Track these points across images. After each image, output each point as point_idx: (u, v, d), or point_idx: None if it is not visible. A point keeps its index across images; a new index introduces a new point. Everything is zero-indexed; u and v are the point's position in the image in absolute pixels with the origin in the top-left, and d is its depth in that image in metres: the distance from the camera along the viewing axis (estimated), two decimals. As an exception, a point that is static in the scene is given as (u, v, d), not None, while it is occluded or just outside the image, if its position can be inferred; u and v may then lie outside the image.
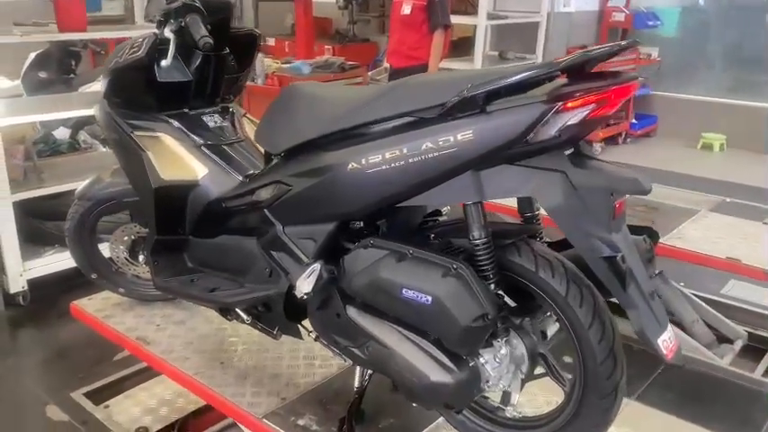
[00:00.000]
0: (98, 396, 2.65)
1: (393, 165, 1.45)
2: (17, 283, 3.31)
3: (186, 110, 2.05)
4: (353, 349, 1.64)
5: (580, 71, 1.36)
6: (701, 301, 3.48)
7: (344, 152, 1.53)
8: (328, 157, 1.57)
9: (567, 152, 1.39)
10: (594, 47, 1.35)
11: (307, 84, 1.77)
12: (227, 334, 2.30)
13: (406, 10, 4.41)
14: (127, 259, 2.38)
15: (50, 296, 3.02)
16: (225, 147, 2.05)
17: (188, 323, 2.37)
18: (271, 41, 7.78)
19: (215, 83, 2.10)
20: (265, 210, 1.75)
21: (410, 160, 1.42)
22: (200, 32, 1.76)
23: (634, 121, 7.20)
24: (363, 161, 1.48)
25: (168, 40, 1.86)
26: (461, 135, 1.36)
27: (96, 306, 2.53)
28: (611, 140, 7.00)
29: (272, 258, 1.75)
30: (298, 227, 1.69)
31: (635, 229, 1.55)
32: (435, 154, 1.39)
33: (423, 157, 1.41)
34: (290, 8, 6.71)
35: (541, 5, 6.05)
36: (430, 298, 1.41)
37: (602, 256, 1.34)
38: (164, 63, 1.83)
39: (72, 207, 2.36)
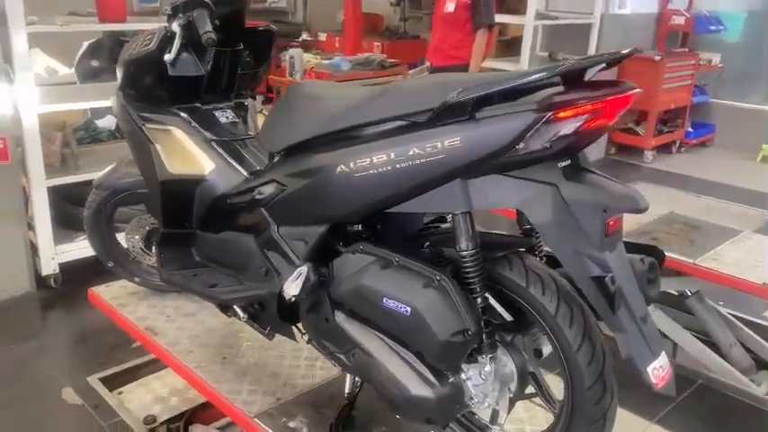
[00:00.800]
0: (113, 382, 2.69)
1: (381, 169, 1.40)
2: (49, 266, 3.41)
3: (198, 104, 2.05)
4: (340, 355, 1.60)
5: (578, 79, 1.29)
6: (740, 324, 3.31)
7: (335, 154, 1.50)
8: (320, 159, 1.54)
9: (562, 164, 1.31)
10: (594, 54, 1.27)
11: (311, 83, 1.75)
12: (235, 329, 2.30)
13: (450, 7, 4.33)
14: (142, 249, 2.41)
15: (81, 280, 3.09)
16: (235, 143, 2.04)
17: (197, 316, 2.38)
18: (322, 37, 7.82)
19: (229, 78, 2.09)
20: (262, 208, 1.73)
21: (397, 166, 1.38)
22: (205, 27, 1.76)
23: (690, 129, 6.93)
24: (352, 164, 1.44)
25: (186, 34, 1.86)
26: (449, 142, 1.31)
27: (112, 293, 2.57)
28: (664, 149, 6.76)
29: (267, 258, 1.73)
30: (291, 227, 1.67)
31: (639, 248, 1.47)
32: (422, 160, 1.34)
33: (410, 162, 1.36)
34: (342, 4, 6.71)
35: (595, 6, 5.86)
36: (409, 309, 1.36)
37: (591, 275, 1.26)
38: (167, 57, 1.83)
39: (90, 195, 2.40)
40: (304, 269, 1.56)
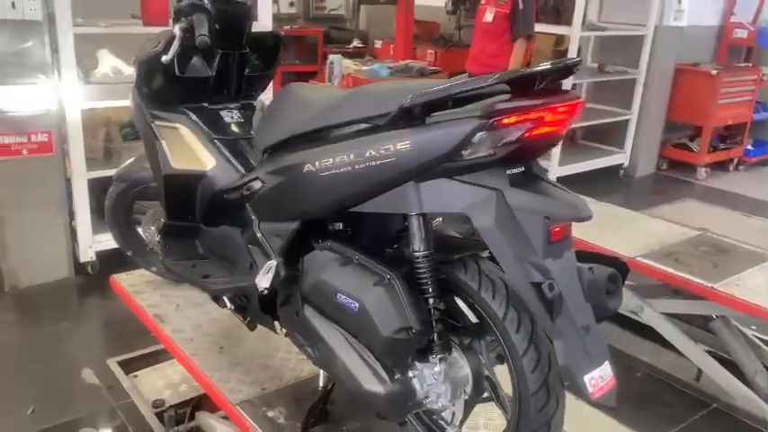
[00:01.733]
0: (130, 366, 2.83)
1: (342, 170, 1.46)
2: (87, 254, 3.60)
3: (206, 104, 2.15)
4: (308, 348, 1.66)
5: (528, 87, 1.30)
6: (769, 348, 3.19)
7: (305, 154, 1.56)
8: (292, 158, 1.60)
9: (511, 171, 1.33)
10: (541, 64, 1.29)
11: (299, 84, 1.82)
12: (236, 321, 2.36)
13: (489, 17, 4.35)
14: (157, 241, 2.54)
15: (116, 268, 3.25)
16: (238, 141, 2.13)
17: (204, 307, 2.48)
18: (378, 44, 7.92)
19: (237, 80, 2.18)
20: (247, 204, 1.82)
21: (356, 167, 1.43)
22: (200, 31, 1.85)
23: (750, 147, 6.67)
24: (318, 164, 1.50)
25: (185, 36, 1.96)
26: (400, 145, 1.35)
27: (131, 281, 2.71)
28: (720, 166, 6.53)
29: (250, 252, 1.81)
30: (270, 223, 1.74)
31: (601, 259, 1.46)
32: (377, 162, 1.39)
33: (366, 164, 1.41)
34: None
35: (648, 18, 5.73)
36: (357, 305, 1.41)
37: (531, 281, 1.28)
38: (164, 59, 1.93)
39: (111, 187, 2.55)
40: (273, 264, 1.63)
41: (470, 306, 1.47)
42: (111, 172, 3.56)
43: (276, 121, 1.75)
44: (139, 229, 2.62)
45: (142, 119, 2.17)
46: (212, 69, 2.10)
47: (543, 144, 1.35)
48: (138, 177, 2.44)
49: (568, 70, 1.30)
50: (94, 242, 3.58)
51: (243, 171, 2.03)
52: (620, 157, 6.10)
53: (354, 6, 8.82)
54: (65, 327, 3.25)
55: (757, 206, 5.53)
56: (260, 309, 1.81)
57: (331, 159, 1.47)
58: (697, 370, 3.09)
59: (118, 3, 3.98)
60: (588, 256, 1.44)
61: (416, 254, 1.42)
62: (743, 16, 6.66)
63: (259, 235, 1.75)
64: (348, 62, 4.98)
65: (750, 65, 6.67)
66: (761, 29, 6.54)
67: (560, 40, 6.76)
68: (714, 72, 6.00)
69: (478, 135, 1.26)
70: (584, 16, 5.75)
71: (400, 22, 6.41)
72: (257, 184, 1.77)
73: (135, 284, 2.68)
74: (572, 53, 5.21)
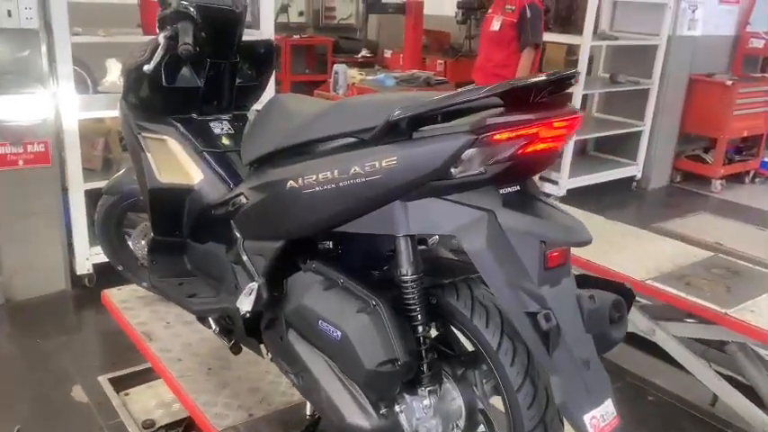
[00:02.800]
0: (122, 383, 2.74)
1: (326, 187, 1.37)
2: (83, 266, 3.53)
3: (194, 115, 2.07)
4: (292, 375, 1.57)
5: (523, 100, 1.21)
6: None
7: (288, 169, 1.48)
8: (275, 173, 1.52)
9: (505, 190, 1.24)
10: (534, 75, 1.19)
11: (287, 96, 1.73)
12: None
13: (496, 26, 4.25)
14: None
15: (113, 281, 3.17)
16: (228, 154, 2.05)
17: (195, 324, 2.38)
18: (387, 54, 7.86)
19: (228, 90, 2.10)
20: (232, 221, 1.73)
21: (340, 184, 1.34)
22: (184, 39, 1.77)
23: (766, 159, 6.51)
24: (300, 180, 1.41)
25: (170, 44, 1.88)
26: (386, 162, 1.26)
27: (122, 296, 2.64)
28: (735, 179, 6.37)
29: (234, 272, 1.72)
30: (253, 242, 1.65)
31: (606, 285, 1.36)
32: (363, 179, 1.30)
33: (351, 181, 1.32)
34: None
35: (662, 28, 5.61)
36: (339, 333, 1.32)
37: (525, 311, 1.18)
38: (146, 68, 1.85)
39: (100, 200, 2.47)
40: (255, 285, 1.54)
41: (464, 333, 1.37)
42: (110, 183, 3.52)
43: (261, 134, 1.67)
44: (130, 242, 2.54)
45: (129, 130, 2.10)
46: (201, 79, 2.02)
47: (538, 161, 1.25)
48: (128, 190, 2.37)
49: (564, 82, 1.20)
50: (91, 254, 3.51)
51: (232, 185, 1.94)
52: (632, 169, 5.97)
53: (364, 16, 8.76)
54: (59, 341, 3.17)
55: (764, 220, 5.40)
56: (244, 332, 1.72)
57: (314, 176, 1.38)
58: (712, 395, 2.95)
59: (124, 11, 3.95)
60: (590, 281, 1.34)
61: (404, 278, 1.33)
62: (758, 26, 6.52)
63: (243, 254, 1.66)
64: (353, 72, 4.90)
65: (766, 75, 6.52)
66: (777, 38, 6.40)
67: (572, 49, 6.66)
68: (729, 83, 5.86)
69: (468, 152, 1.17)
70: (596, 25, 5.64)
71: (409, 31, 6.34)
72: (241, 200, 1.69)
73: (125, 300, 2.61)
74: (582, 63, 5.10)
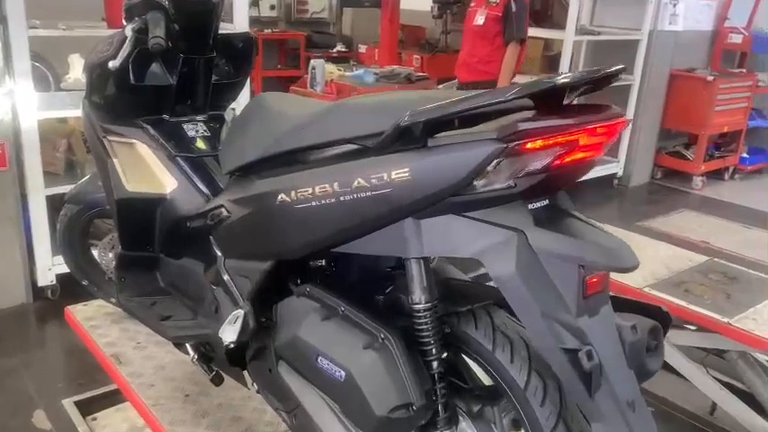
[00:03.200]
0: (89, 406, 2.52)
1: (323, 202, 1.18)
2: (46, 277, 3.29)
3: (166, 116, 1.88)
4: (282, 413, 1.38)
5: (554, 102, 1.04)
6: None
7: (277, 181, 1.29)
8: (262, 185, 1.33)
9: (534, 205, 1.07)
10: (568, 72, 1.03)
11: (272, 94, 1.54)
12: (205, 362, 2.11)
13: (480, 20, 4.09)
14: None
15: (78, 292, 2.95)
16: (204, 159, 1.85)
17: (169, 345, 2.17)
18: (362, 49, 7.67)
19: (204, 88, 1.91)
20: (211, 236, 1.54)
21: (342, 198, 1.16)
22: (155, 32, 1.57)
23: (745, 155, 6.48)
24: (293, 194, 1.23)
25: (138, 38, 1.68)
26: (396, 173, 1.08)
27: (88, 313, 2.43)
28: (715, 175, 6.32)
29: (214, 293, 1.53)
30: (236, 261, 1.46)
31: (640, 308, 1.20)
32: (368, 193, 1.12)
33: (354, 195, 1.14)
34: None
35: (643, 22, 5.51)
36: (343, 373, 1.14)
37: (562, 347, 1.01)
38: (111, 64, 1.65)
39: (62, 209, 2.26)
40: (241, 313, 1.35)
41: (481, 366, 1.20)
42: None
43: (244, 138, 1.48)
44: (96, 254, 2.33)
45: (93, 134, 1.89)
46: (174, 76, 1.82)
47: (574, 172, 1.09)
48: (92, 199, 2.16)
49: (607, 80, 1.04)
50: (54, 264, 3.27)
51: (209, 194, 1.75)
52: (613, 167, 5.88)
53: (338, 10, 8.55)
54: (19, 359, 2.93)
55: (755, 216, 5.35)
56: (227, 361, 1.54)
57: (310, 189, 1.20)
58: (711, 403, 2.84)
59: (88, 3, 3.71)
60: (621, 303, 1.18)
61: (417, 306, 1.15)
62: (736, 21, 6.47)
63: (225, 276, 1.47)
64: (331, 67, 4.70)
65: (744, 70, 6.48)
66: (756, 34, 6.36)
67: (549, 45, 6.54)
68: (710, 78, 5.80)
69: (496, 162, 1.00)
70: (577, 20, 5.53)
71: (385, 26, 6.15)
72: (222, 213, 1.50)
73: (92, 317, 2.40)
74: (565, 59, 4.98)
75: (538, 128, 0.98)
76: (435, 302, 1.15)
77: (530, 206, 1.06)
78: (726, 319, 2.49)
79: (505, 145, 0.98)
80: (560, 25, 5.41)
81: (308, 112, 1.31)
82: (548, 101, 1.04)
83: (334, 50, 7.70)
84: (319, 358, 1.18)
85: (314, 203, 1.19)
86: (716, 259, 3.14)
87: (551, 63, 6.42)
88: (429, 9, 7.37)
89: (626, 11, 5.75)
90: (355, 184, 1.13)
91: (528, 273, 1.02)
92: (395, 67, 5.03)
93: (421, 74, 4.95)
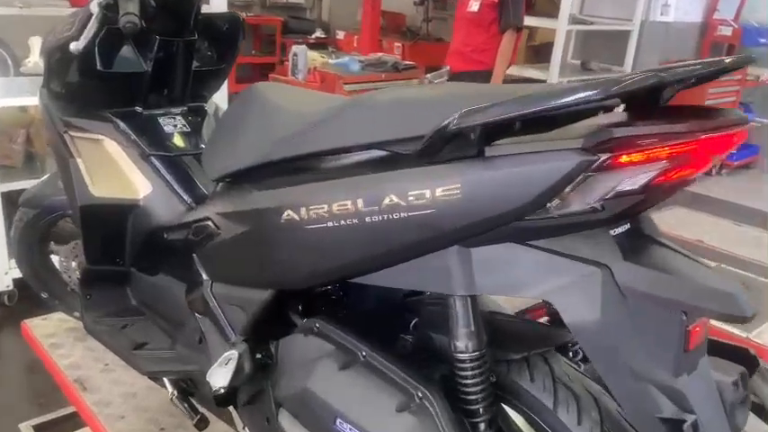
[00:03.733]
0: (50, 430, 2.26)
1: (343, 222, 0.94)
2: (2, 282, 2.99)
3: (139, 108, 1.62)
4: (283, 472, 1.14)
5: (650, 102, 0.81)
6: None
7: (282, 194, 1.04)
8: (262, 198, 1.08)
9: (616, 231, 0.84)
10: (679, 62, 0.80)
11: (269, 86, 1.29)
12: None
13: (474, 6, 3.85)
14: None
15: (39, 298, 2.68)
16: (182, 159, 1.60)
17: (141, 367, 1.94)
18: (340, 35, 7.40)
19: (183, 76, 1.65)
20: (195, 254, 1.28)
21: (367, 219, 0.92)
22: (127, 8, 1.31)
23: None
24: (303, 211, 0.98)
25: (105, 16, 1.41)
26: (444, 190, 0.85)
27: (48, 330, 2.15)
28: (702, 170, 6.20)
29: (198, 322, 1.28)
30: (227, 287, 1.21)
31: (722, 350, 0.99)
32: (403, 214, 0.88)
33: (384, 216, 0.90)
34: (362, 2, 6.27)
35: (635, 12, 5.34)
36: None
37: (659, 416, 0.79)
38: (73, 46, 1.38)
39: (17, 213, 1.98)
40: (234, 355, 1.10)
41: (535, 426, 0.97)
42: (33, 183, 2.98)
43: (237, 138, 1.22)
44: (57, 263, 2.06)
45: (53, 128, 1.62)
46: (148, 62, 1.57)
47: (668, 192, 0.86)
48: (51, 203, 1.89)
49: (724, 72, 0.82)
50: (11, 267, 2.95)
51: (189, 201, 1.50)
52: (601, 161, 5.72)
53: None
54: (-30, 376, 2.64)
55: (744, 213, 5.24)
56: (215, 403, 1.29)
57: (325, 206, 0.95)
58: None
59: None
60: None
61: (462, 355, 0.92)
62: (726, 12, 6.34)
63: (212, 302, 1.22)
64: (314, 54, 4.42)
65: (733, 64, 6.36)
66: (746, 26, 6.23)
67: (532, 34, 6.34)
68: (701, 71, 5.65)
69: (580, 179, 0.76)
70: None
71: (367, 12, 5.88)
72: (208, 228, 1.24)
73: (52, 334, 2.12)
74: (557, 49, 4.77)
75: (638, 135, 0.75)
76: (483, 351, 0.92)
77: (611, 231, 0.84)
78: (745, 334, 2.34)
79: (595, 157, 0.75)
80: (545, 14, 5.20)
81: (321, 107, 1.06)
82: (641, 100, 0.81)
83: (312, 37, 7.41)
84: (338, 421, 0.94)
85: (330, 224, 0.95)
86: (723, 265, 3.00)
87: (534, 54, 6.23)
88: (410, -5, 7.14)
89: (616, 0, 5.58)
90: (387, 201, 0.89)
91: (616, 320, 0.79)
92: (381, 54, 4.78)
93: (408, 62, 4.70)
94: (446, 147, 0.85)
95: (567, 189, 0.78)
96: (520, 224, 0.83)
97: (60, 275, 2.06)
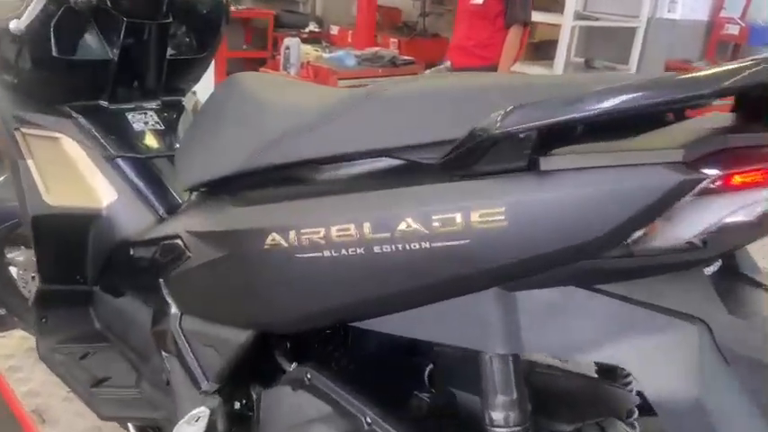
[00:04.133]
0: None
1: (343, 252, 0.72)
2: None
3: (104, 102, 1.40)
4: None
5: (756, 106, 0.60)
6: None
7: (266, 211, 0.82)
8: (242, 216, 0.86)
9: (712, 270, 0.63)
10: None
11: (254, 75, 1.07)
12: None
13: (479, -1, 3.64)
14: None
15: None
16: (154, 162, 1.39)
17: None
18: (334, 30, 7.18)
19: (156, 65, 1.43)
20: (161, 279, 1.06)
21: (375, 249, 0.70)
22: None
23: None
24: (293, 235, 0.76)
25: None
26: (482, 215, 0.63)
27: (6, 349, 1.93)
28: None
29: (165, 361, 1.06)
30: (199, 322, 0.99)
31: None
32: (425, 245, 0.66)
33: (399, 246, 0.68)
34: (357, -5, 6.06)
35: (641, 9, 5.14)
36: None
37: None
38: (12, 25, 1.16)
39: (-32, 220, 1.75)
40: (205, 412, 0.88)
41: None
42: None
43: (214, 140, 1.00)
44: (14, 273, 1.83)
45: (1, 124, 1.39)
46: (114, 48, 1.35)
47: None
48: (6, 210, 1.66)
49: None
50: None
51: (161, 212, 1.28)
52: (605, 162, 5.54)
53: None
54: None
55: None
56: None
57: (321, 229, 0.73)
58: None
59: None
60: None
61: (499, 430, 0.70)
62: (732, 11, 6.16)
63: (180, 341, 1.00)
64: (307, 48, 4.20)
65: (739, 63, 6.19)
66: (753, 25, 6.05)
67: (531, 30, 6.15)
68: (708, 71, 5.47)
69: (680, 204, 0.55)
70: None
71: (362, 6, 5.67)
72: (177, 249, 1.02)
73: (11, 355, 1.91)
74: (562, 45, 4.57)
75: (760, 147, 0.54)
76: (527, 426, 0.70)
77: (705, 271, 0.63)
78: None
79: (703, 175, 0.54)
80: (545, 9, 5.00)
81: (316, 103, 0.84)
82: (751, 100, 0.60)
83: (306, 31, 7.19)
84: None
85: (327, 254, 0.73)
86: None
87: (534, 51, 6.03)
88: (406, -10, 6.93)
89: (621, -4, 5.39)
90: (402, 226, 0.67)
91: (717, 398, 0.58)
92: (378, 49, 4.56)
93: (406, 57, 4.49)
94: (485, 156, 0.63)
95: (659, 219, 0.57)
96: (586, 264, 0.61)
97: (19, 289, 1.84)
